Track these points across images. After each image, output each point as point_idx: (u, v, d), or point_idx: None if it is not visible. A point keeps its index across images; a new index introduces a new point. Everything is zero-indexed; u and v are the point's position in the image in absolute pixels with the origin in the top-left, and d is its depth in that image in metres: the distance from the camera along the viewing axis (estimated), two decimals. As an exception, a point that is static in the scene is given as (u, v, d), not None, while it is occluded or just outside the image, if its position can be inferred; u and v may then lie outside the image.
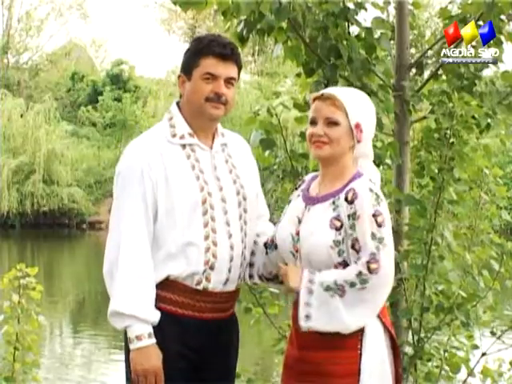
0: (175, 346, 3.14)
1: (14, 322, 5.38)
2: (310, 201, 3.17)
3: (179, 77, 3.26)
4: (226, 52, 3.21)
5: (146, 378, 3.08)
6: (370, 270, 2.99)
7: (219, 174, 3.25)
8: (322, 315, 3.03)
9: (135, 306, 3.06)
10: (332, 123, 3.11)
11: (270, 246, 3.31)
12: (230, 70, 3.23)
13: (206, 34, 3.34)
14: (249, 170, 3.40)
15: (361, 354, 3.05)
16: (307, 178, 3.33)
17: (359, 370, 3.04)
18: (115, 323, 3.10)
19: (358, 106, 3.14)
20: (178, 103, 3.31)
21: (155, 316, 3.10)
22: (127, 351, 3.15)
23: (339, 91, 3.18)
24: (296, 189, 3.33)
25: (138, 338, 3.06)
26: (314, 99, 3.18)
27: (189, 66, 3.23)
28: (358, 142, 3.14)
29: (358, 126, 3.12)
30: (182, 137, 3.22)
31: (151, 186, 3.12)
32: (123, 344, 3.22)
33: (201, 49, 3.21)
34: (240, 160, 3.37)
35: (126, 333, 3.13)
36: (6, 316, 5.39)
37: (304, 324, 3.05)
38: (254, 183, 3.40)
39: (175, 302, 3.15)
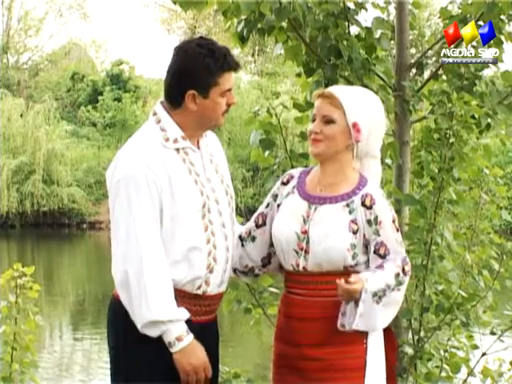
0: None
1: (11, 322, 5.37)
2: (315, 200, 3.16)
3: (188, 95, 3.09)
4: (238, 62, 3.16)
5: (197, 374, 3.05)
6: (404, 272, 3.13)
7: (209, 175, 3.19)
8: (364, 320, 3.06)
9: (170, 310, 3.01)
10: (328, 121, 3.12)
11: (246, 238, 3.30)
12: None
13: (210, 47, 3.13)
14: (226, 167, 3.34)
15: (366, 348, 3.10)
16: (294, 173, 3.31)
17: (365, 363, 3.09)
18: (150, 332, 3.01)
19: (357, 105, 3.14)
20: (162, 103, 3.19)
21: (184, 312, 3.06)
22: (118, 350, 3.13)
23: (340, 90, 3.19)
24: (284, 184, 3.29)
25: (179, 338, 3.01)
26: (317, 97, 3.19)
27: (206, 85, 3.09)
28: (357, 141, 3.14)
29: (355, 125, 3.13)
30: (175, 140, 3.13)
31: (157, 191, 3.04)
32: (112, 347, 3.19)
33: (220, 67, 3.09)
34: (219, 158, 3.31)
35: (119, 333, 3.09)
36: (3, 316, 5.39)
37: (348, 327, 3.07)
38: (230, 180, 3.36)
39: None
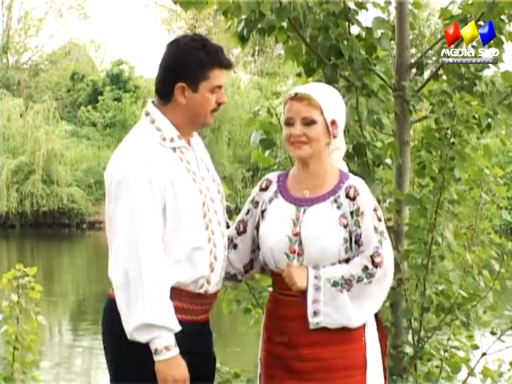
0: None
1: (13, 321, 5.38)
2: (303, 202, 3.17)
3: (178, 87, 3.10)
4: (231, 61, 3.16)
5: None
6: (374, 264, 3.08)
7: (202, 173, 3.19)
8: (331, 311, 3.06)
9: (165, 316, 2.97)
10: (309, 122, 3.12)
11: (229, 246, 3.27)
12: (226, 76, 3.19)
13: (203, 42, 3.14)
14: (212, 166, 3.34)
15: (366, 345, 3.11)
16: (271, 178, 3.29)
17: (365, 360, 3.10)
18: (140, 336, 2.97)
19: (332, 103, 3.16)
20: (153, 102, 3.18)
21: (178, 325, 3.02)
22: (115, 351, 3.13)
23: (313, 89, 3.17)
24: (263, 189, 3.28)
25: (167, 348, 2.96)
26: (289, 99, 3.16)
27: (195, 78, 3.09)
28: (334, 137, 3.17)
29: (333, 122, 3.15)
30: (171, 140, 3.11)
31: (159, 191, 3.02)
32: (110, 349, 3.19)
33: (211, 61, 3.10)
34: (206, 156, 3.31)
35: (117, 333, 3.05)
36: (5, 316, 5.39)
37: (312, 320, 3.07)
38: None
39: (175, 308, 3.06)
